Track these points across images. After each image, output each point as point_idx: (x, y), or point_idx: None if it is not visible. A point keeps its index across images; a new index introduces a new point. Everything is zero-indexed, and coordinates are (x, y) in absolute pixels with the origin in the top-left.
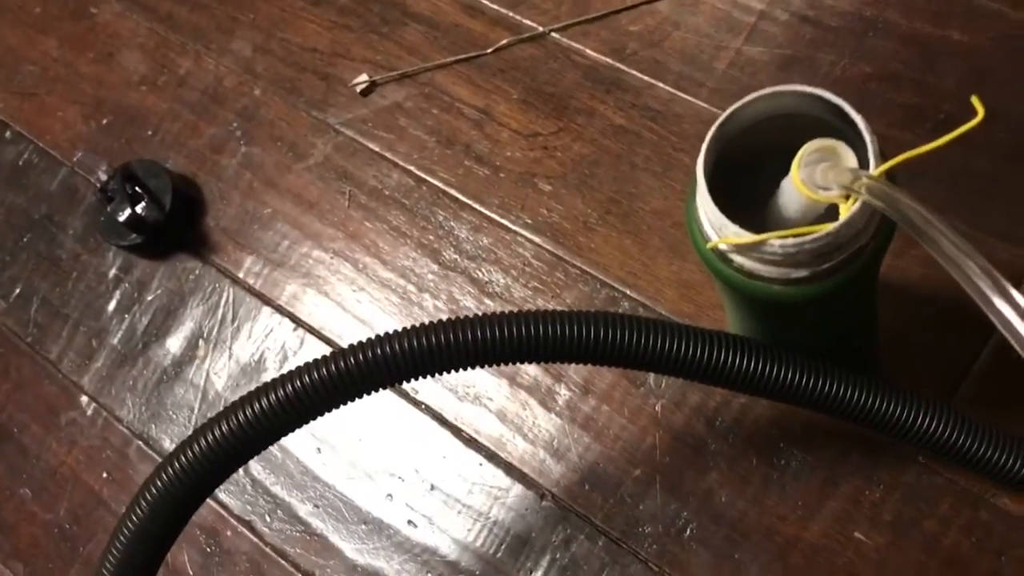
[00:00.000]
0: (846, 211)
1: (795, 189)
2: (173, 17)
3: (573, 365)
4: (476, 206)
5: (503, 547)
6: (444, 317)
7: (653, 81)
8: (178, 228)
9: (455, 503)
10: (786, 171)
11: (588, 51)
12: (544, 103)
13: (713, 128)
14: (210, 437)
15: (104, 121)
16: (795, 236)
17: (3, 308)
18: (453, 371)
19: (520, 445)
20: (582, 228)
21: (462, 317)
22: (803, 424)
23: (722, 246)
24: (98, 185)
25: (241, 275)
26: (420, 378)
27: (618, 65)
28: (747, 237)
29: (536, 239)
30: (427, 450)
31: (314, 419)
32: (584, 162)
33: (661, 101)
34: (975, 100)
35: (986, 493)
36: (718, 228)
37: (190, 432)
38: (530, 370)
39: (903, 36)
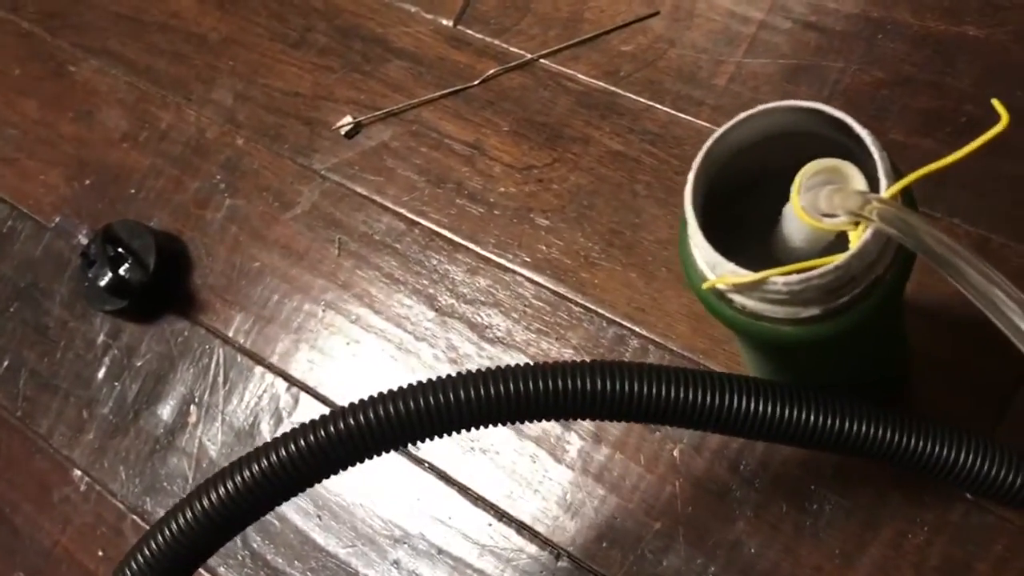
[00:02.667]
0: (856, 240)
1: (797, 217)
2: (152, 70)
3: None
4: (471, 246)
5: None
6: (443, 366)
7: (650, 103)
8: (165, 288)
9: (465, 568)
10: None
11: (580, 76)
12: (537, 133)
13: (700, 154)
14: (194, 509)
15: (87, 181)
16: (799, 272)
17: None
18: (457, 432)
19: (531, 501)
20: (584, 264)
21: (460, 373)
22: (834, 464)
23: (720, 286)
24: (80, 250)
25: (231, 334)
26: (421, 441)
27: (612, 88)
28: (745, 276)
29: (536, 278)
30: (432, 511)
31: (305, 489)
32: (582, 193)
33: (659, 123)
34: (997, 104)
35: None
36: (713, 266)
37: None
38: None
39: (915, 36)
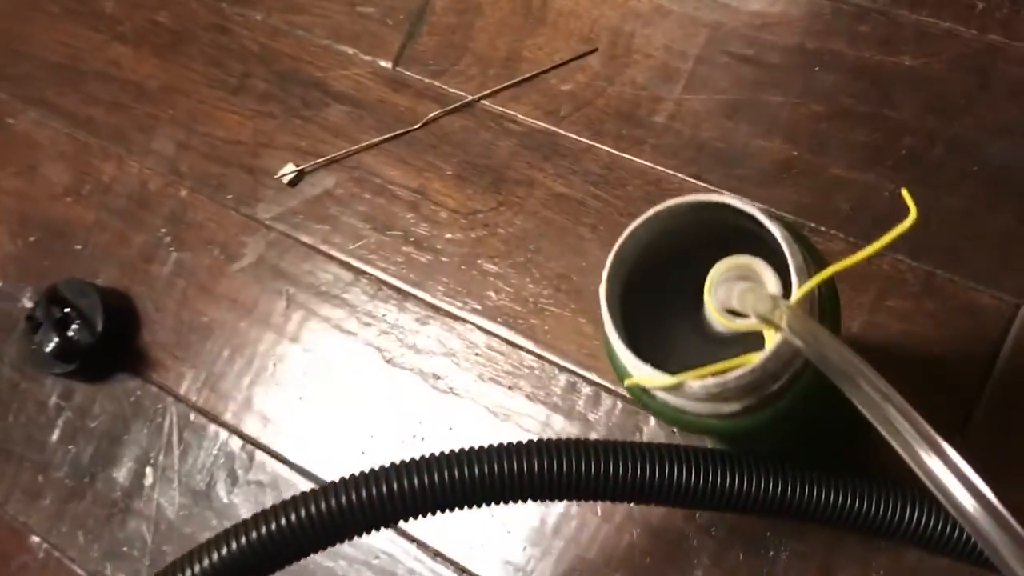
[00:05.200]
0: (770, 342)
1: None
2: (92, 121)
3: None
4: (421, 295)
5: None
6: (393, 422)
7: (591, 143)
8: (114, 347)
9: None
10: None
11: (520, 116)
12: (480, 177)
13: (609, 259)
14: None
15: (31, 238)
16: (715, 375)
17: None
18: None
19: (491, 555)
20: (533, 310)
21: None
22: None
23: (642, 383)
24: (25, 313)
25: (183, 392)
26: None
27: (553, 128)
28: (661, 380)
29: (487, 326)
30: (398, 569)
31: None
32: (528, 237)
33: (602, 163)
34: (906, 195)
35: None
36: (632, 368)
37: (144, 569)
38: None
39: (852, 68)
